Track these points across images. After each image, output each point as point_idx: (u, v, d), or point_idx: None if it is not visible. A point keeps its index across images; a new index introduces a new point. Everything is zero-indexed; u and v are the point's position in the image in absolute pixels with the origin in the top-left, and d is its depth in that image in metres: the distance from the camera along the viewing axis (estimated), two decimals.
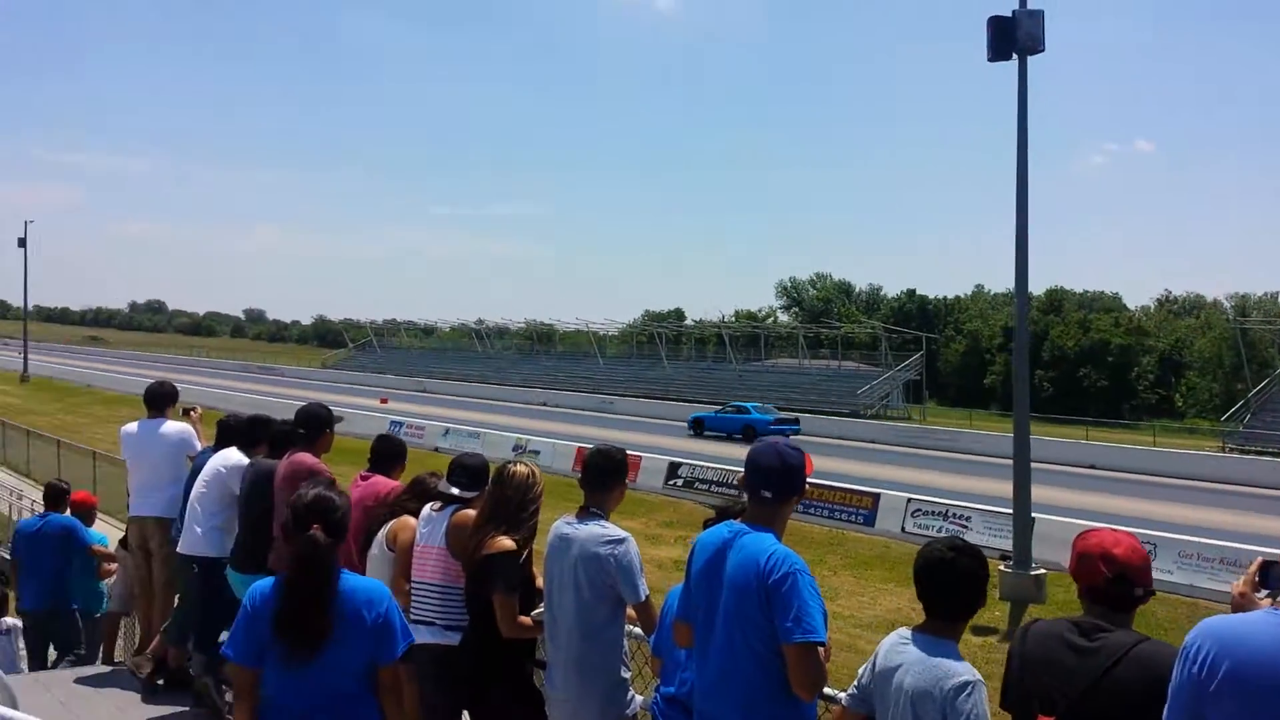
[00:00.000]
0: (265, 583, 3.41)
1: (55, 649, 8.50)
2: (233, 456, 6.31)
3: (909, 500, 22.48)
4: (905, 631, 3.08)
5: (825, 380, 66.47)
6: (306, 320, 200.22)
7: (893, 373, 64.50)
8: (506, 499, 4.26)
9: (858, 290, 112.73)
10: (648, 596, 4.01)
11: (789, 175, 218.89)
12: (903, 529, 21.71)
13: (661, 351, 78.59)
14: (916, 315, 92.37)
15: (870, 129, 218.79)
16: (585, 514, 4.06)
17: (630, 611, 4.10)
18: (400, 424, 38.72)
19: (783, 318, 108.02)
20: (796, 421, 44.84)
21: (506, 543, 4.18)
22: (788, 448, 3.37)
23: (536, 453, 32.02)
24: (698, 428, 44.53)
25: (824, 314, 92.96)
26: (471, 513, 4.48)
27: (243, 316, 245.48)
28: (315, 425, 5.72)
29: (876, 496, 23.03)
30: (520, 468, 4.36)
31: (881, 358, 67.43)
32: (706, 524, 3.69)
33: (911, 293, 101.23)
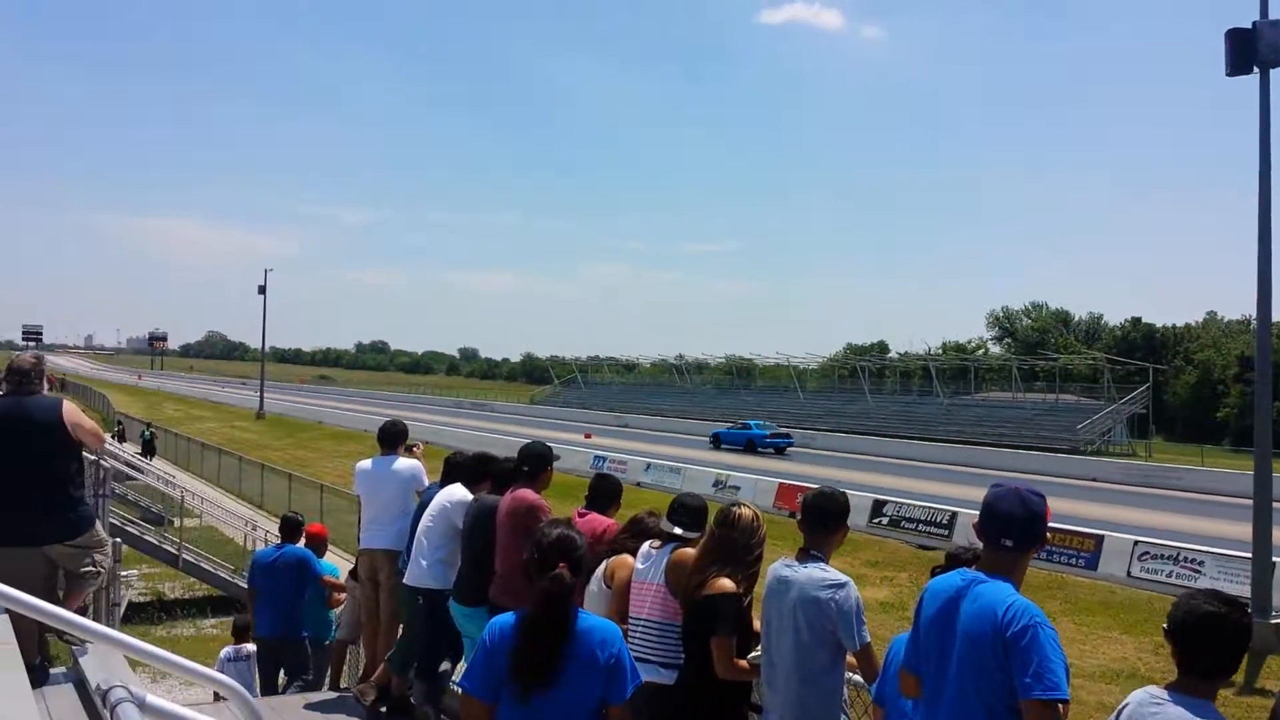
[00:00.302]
0: (504, 618, 3.45)
1: (286, 674, 8.83)
2: (457, 492, 6.53)
3: (1135, 543, 21.02)
4: (1158, 690, 2.86)
5: (1041, 414, 63.31)
6: (516, 358, 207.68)
7: (1115, 406, 60.74)
8: (731, 541, 4.23)
9: (1076, 319, 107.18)
10: (869, 643, 3.89)
11: (998, 199, 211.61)
12: (1128, 573, 20.32)
13: (864, 385, 77.03)
14: (1141, 345, 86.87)
15: (1088, 147, 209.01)
16: (805, 556, 3.98)
17: (850, 658, 3.99)
18: (603, 459, 39.39)
19: (994, 349, 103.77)
20: (789, 436, 51.94)
21: (729, 584, 4.14)
22: (1030, 493, 3.18)
23: (737, 488, 31.89)
24: (716, 442, 52.42)
25: (1039, 345, 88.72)
26: (691, 552, 4.47)
27: (457, 355, 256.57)
28: (537, 463, 5.84)
29: (1099, 538, 21.63)
30: (745, 510, 4.32)
31: (1103, 390, 63.74)
32: (934, 571, 3.55)
33: (1136, 321, 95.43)
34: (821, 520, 4.05)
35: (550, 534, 3.51)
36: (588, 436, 55.56)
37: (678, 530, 4.69)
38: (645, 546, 4.82)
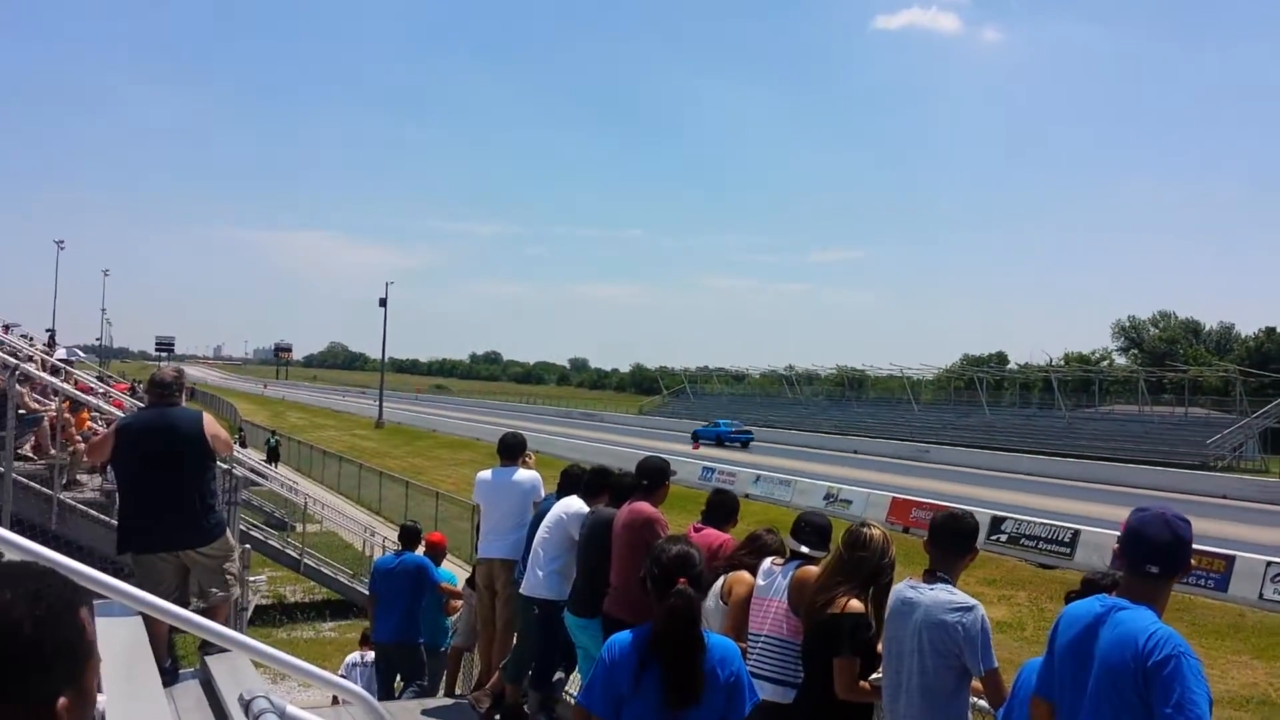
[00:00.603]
0: (623, 636, 3.46)
1: (402, 679, 9.03)
2: (574, 504, 6.58)
3: (1268, 564, 20.02)
4: None
5: (1169, 429, 60.77)
6: (625, 368, 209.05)
7: (1248, 420, 57.80)
8: (861, 561, 4.17)
9: (1207, 329, 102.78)
10: (996, 668, 3.77)
11: (1124, 205, 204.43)
12: (1261, 595, 19.41)
13: (981, 397, 75.13)
14: (1276, 355, 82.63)
15: (1218, 151, 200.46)
16: (931, 578, 3.89)
17: (976, 683, 3.88)
18: (712, 470, 39.28)
19: (1119, 360, 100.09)
20: (750, 432, 62.38)
21: (858, 605, 4.09)
22: (1176, 518, 3.03)
23: (849, 502, 31.45)
24: (695, 439, 59.60)
25: (1167, 356, 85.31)
26: (815, 570, 4.46)
27: (568, 365, 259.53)
28: (656, 477, 5.85)
29: (1230, 559, 20.65)
30: (876, 531, 4.27)
31: (1235, 403, 60.94)
32: (1069, 596, 3.43)
33: (1270, 331, 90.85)
34: (950, 542, 3.97)
35: (669, 550, 3.51)
36: (696, 447, 55.49)
37: (804, 549, 4.66)
38: (767, 563, 4.80)
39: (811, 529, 4.76)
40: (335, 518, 28.62)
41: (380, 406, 77.61)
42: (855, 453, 59.51)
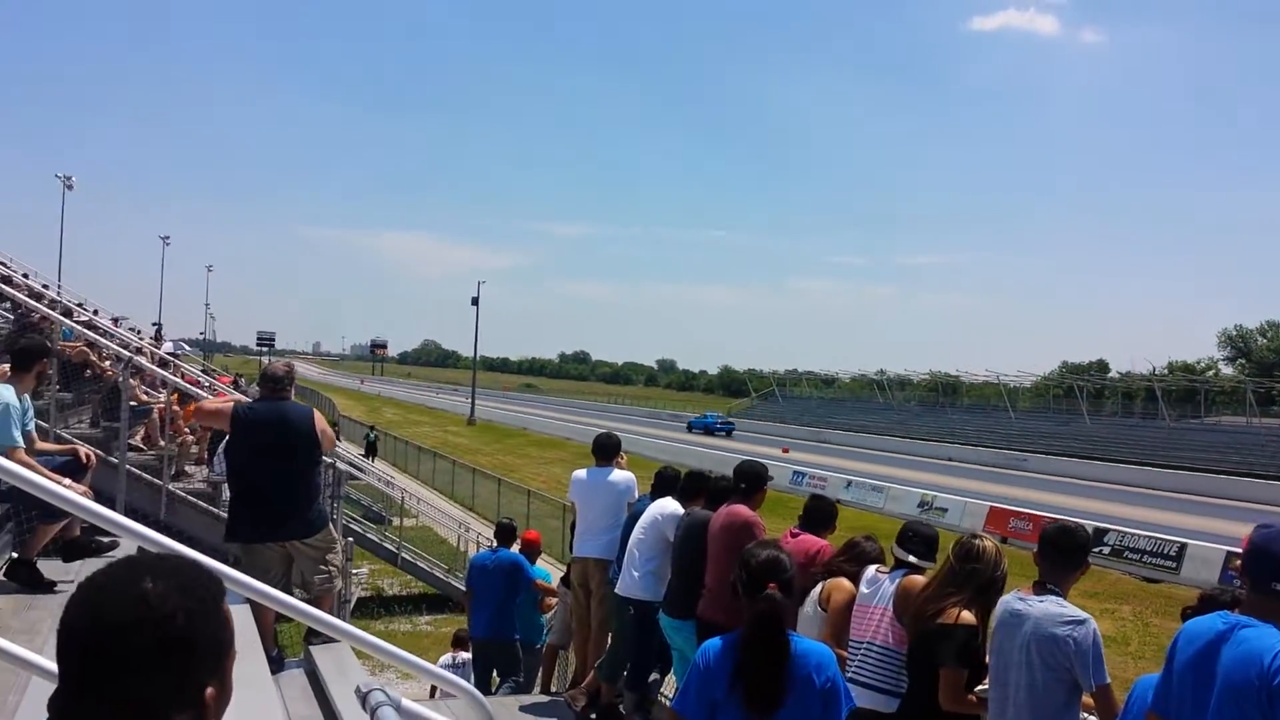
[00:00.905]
0: (716, 642, 3.45)
1: (498, 675, 9.13)
2: (669, 505, 6.59)
3: None
4: None
5: (1278, 440, 58.34)
6: (713, 370, 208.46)
7: None
8: (973, 573, 4.09)
9: None
10: (1108, 683, 3.67)
11: (1232, 211, 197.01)
12: None
13: (1081, 406, 73.04)
14: None
15: None
16: (1041, 590, 3.80)
17: (1087, 698, 3.77)
18: (802, 475, 38.99)
19: (1226, 370, 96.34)
20: (732, 424, 78.10)
21: (968, 616, 4.02)
22: None
23: (945, 510, 30.88)
24: (689, 429, 75.06)
25: (1276, 366, 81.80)
26: (921, 580, 4.42)
27: (656, 366, 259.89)
28: (754, 481, 5.83)
29: None
30: (989, 543, 4.19)
31: None
32: (1186, 613, 3.32)
33: None
34: (1062, 555, 3.88)
35: (759, 554, 3.47)
36: (785, 451, 55.10)
37: (911, 558, 4.59)
38: (872, 571, 4.75)
39: (919, 538, 4.72)
40: (430, 513, 29.16)
41: (473, 404, 78.74)
42: (949, 460, 58.45)
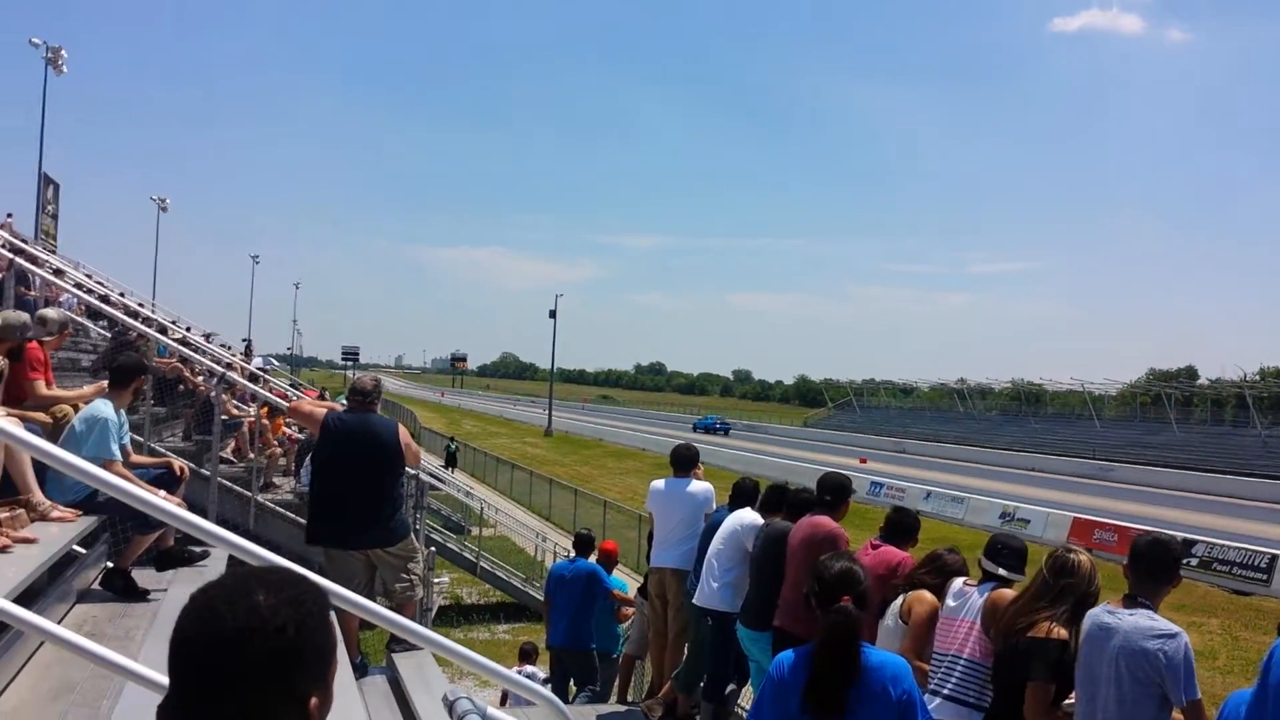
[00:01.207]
0: (789, 654, 3.47)
1: (575, 684, 9.15)
2: (748, 516, 6.59)
3: None
4: None
5: None
6: (789, 380, 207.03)
7: None
8: (1068, 588, 4.01)
9: None
10: (1199, 699, 3.59)
11: None
12: None
13: (1169, 414, 70.98)
14: None
15: None
16: (1131, 603, 3.73)
17: (1177, 714, 3.69)
18: (880, 485, 38.51)
19: None
20: (729, 424, 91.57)
21: (1061, 631, 3.93)
22: None
23: (1027, 521, 30.26)
24: (694, 429, 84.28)
25: None
26: (1010, 593, 4.36)
27: (731, 376, 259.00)
28: (839, 494, 5.83)
29: None
30: (1084, 558, 4.11)
31: None
32: None
33: None
34: (1154, 569, 3.80)
35: (833, 566, 3.46)
36: (863, 461, 54.43)
37: (1001, 571, 4.54)
38: (959, 583, 4.70)
39: (1009, 551, 4.65)
40: (508, 523, 29.43)
41: (550, 415, 79.30)
42: (1032, 470, 57.22)
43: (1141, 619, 3.66)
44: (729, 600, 6.45)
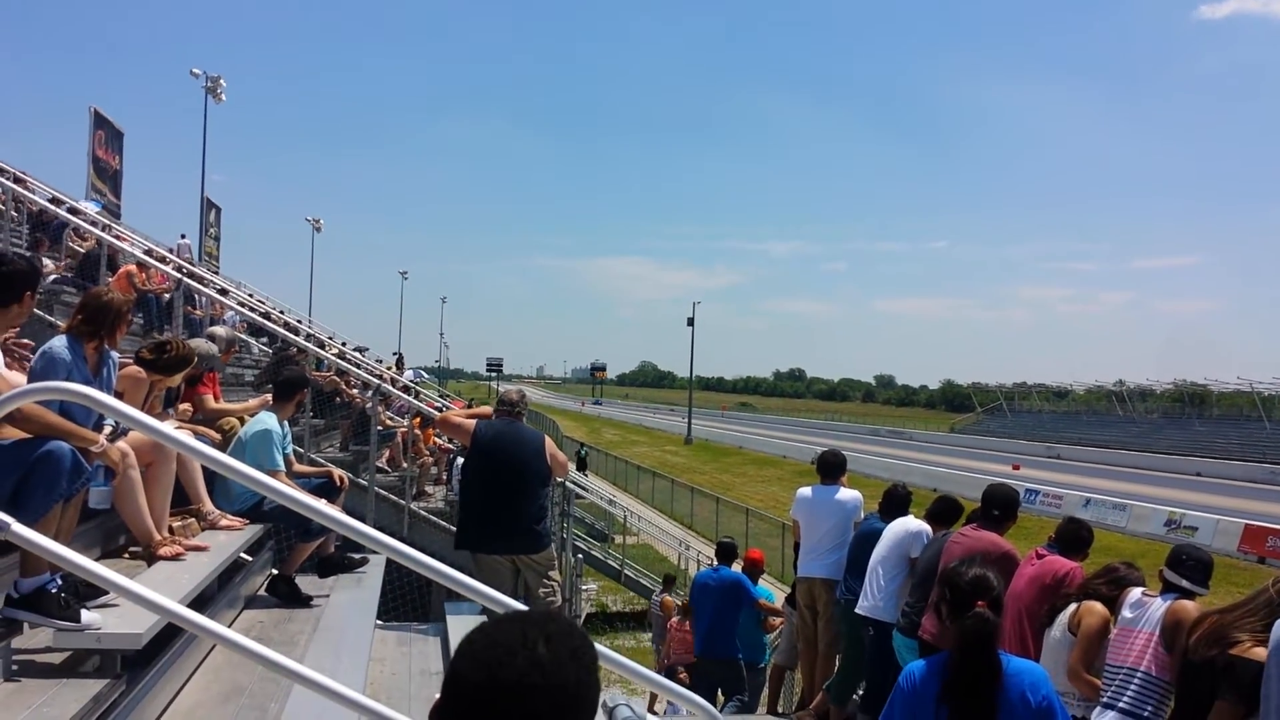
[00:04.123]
0: (920, 663, 3.43)
1: (722, 694, 9.06)
2: (913, 524, 6.48)
3: None
4: None
5: None
6: (934, 384, 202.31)
7: None
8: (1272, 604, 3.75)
9: None
10: None
11: None
12: None
13: None
14: None
15: None
16: None
17: None
18: (1036, 493, 37.10)
19: None
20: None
21: (1260, 652, 3.67)
22: None
23: (1194, 529, 28.68)
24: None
25: None
26: (1193, 606, 4.14)
27: (873, 382, 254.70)
28: (1008, 508, 5.70)
29: None
30: None
31: None
32: None
33: None
34: None
35: (966, 574, 3.44)
36: (1016, 468, 52.50)
37: (1185, 583, 4.30)
38: (1137, 594, 4.46)
39: (1195, 563, 4.39)
40: (651, 530, 29.61)
41: (689, 423, 79.43)
42: (1198, 475, 54.17)
43: None
44: (891, 610, 6.33)
